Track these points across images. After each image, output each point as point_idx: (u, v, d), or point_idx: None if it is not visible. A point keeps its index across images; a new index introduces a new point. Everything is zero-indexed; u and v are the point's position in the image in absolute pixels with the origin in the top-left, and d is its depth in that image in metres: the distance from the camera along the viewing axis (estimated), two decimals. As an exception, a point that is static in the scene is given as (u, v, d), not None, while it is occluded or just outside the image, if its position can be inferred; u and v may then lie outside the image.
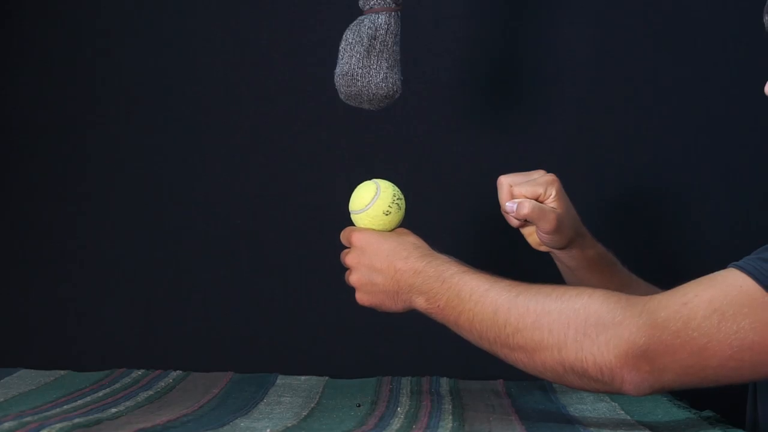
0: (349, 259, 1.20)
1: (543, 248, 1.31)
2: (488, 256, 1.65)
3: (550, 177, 1.27)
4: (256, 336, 1.68)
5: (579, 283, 1.30)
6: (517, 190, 1.26)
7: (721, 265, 1.04)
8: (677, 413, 1.24)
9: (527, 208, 1.24)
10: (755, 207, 1.66)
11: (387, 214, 1.20)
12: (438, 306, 1.12)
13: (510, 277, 1.12)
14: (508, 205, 1.25)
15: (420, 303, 1.14)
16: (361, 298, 1.20)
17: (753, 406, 1.18)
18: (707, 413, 1.22)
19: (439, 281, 1.13)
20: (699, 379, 1.00)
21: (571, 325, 1.02)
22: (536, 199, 1.26)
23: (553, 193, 1.26)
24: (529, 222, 1.27)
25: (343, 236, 1.23)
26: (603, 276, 1.30)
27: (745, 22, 1.66)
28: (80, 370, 1.55)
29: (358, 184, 1.22)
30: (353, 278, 1.20)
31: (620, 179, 1.69)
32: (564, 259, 1.31)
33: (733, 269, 1.00)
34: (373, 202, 1.20)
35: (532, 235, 1.30)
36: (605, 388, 1.03)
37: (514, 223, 1.28)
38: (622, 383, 1.01)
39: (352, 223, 1.22)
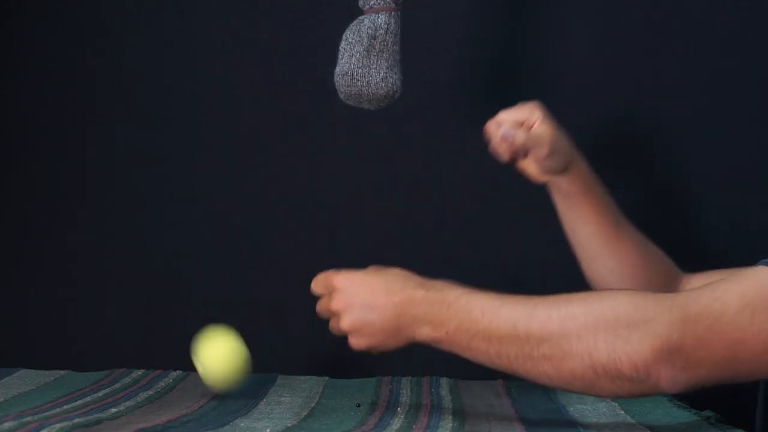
0: (335, 303, 1.15)
1: (543, 178, 1.31)
2: (489, 256, 1.65)
3: (534, 102, 1.29)
4: (256, 336, 1.68)
5: (578, 219, 1.31)
6: (503, 116, 1.28)
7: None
8: (677, 413, 1.24)
9: (521, 136, 1.26)
10: (756, 207, 1.66)
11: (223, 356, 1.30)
12: (446, 332, 1.08)
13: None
14: (505, 132, 1.26)
15: (425, 333, 1.09)
16: (358, 342, 1.14)
17: (764, 407, 1.18)
18: (707, 413, 1.21)
19: (444, 306, 1.08)
20: (732, 374, 0.99)
21: (600, 327, 1.00)
22: (523, 125, 1.28)
23: (539, 116, 1.27)
24: (519, 156, 1.29)
25: (318, 284, 1.18)
26: (598, 205, 1.31)
27: (745, 22, 1.66)
28: (80, 370, 1.55)
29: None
30: (345, 323, 1.14)
31: (620, 179, 1.69)
32: (563, 184, 1.31)
33: (763, 267, 1.00)
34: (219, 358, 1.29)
35: (530, 167, 1.31)
36: (640, 387, 1.01)
37: (505, 157, 1.29)
38: (658, 380, 0.99)
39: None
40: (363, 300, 1.13)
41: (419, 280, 1.12)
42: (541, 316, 1.03)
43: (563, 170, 1.29)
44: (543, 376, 1.04)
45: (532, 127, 1.27)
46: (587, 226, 1.31)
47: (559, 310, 1.02)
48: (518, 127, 1.27)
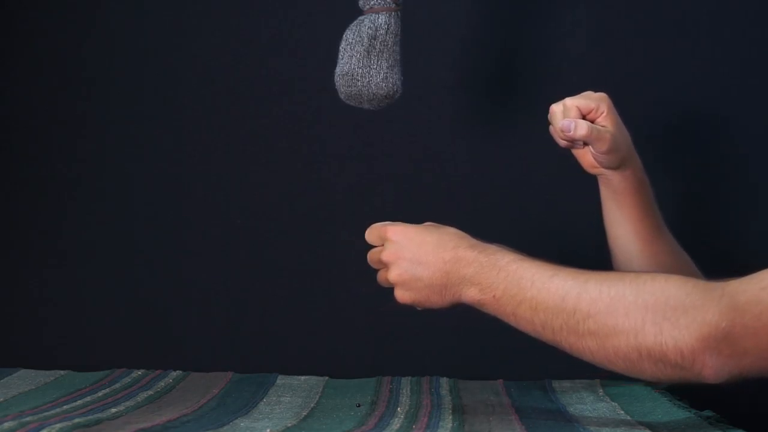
0: (386, 255, 1.15)
1: (596, 170, 1.29)
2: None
3: (602, 94, 1.27)
4: (256, 336, 1.68)
5: (622, 217, 1.30)
6: (569, 102, 1.26)
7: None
8: (677, 413, 1.24)
9: (584, 129, 1.23)
10: (757, 209, 1.66)
11: None
12: (494, 296, 1.08)
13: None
14: (565, 123, 1.24)
15: (472, 294, 1.10)
16: (403, 295, 1.14)
17: None
18: (707, 413, 1.22)
19: (494, 270, 1.08)
20: None
21: (650, 308, 0.99)
22: (588, 114, 1.25)
23: (605, 110, 1.25)
24: (577, 146, 1.27)
25: (373, 233, 1.18)
26: (644, 206, 1.29)
27: (747, 20, 1.66)
28: (80, 370, 1.55)
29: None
30: (393, 274, 1.13)
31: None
32: (615, 180, 1.29)
33: None
34: None
35: (585, 156, 1.29)
36: (683, 373, 1.00)
37: (562, 143, 1.27)
38: (702, 367, 0.98)
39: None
40: (413, 254, 1.13)
41: (472, 242, 1.12)
42: (591, 291, 1.03)
43: (618, 167, 1.28)
44: (586, 350, 1.04)
45: (595, 119, 1.26)
46: (629, 225, 1.30)
47: (609, 288, 1.02)
48: (581, 117, 1.26)
